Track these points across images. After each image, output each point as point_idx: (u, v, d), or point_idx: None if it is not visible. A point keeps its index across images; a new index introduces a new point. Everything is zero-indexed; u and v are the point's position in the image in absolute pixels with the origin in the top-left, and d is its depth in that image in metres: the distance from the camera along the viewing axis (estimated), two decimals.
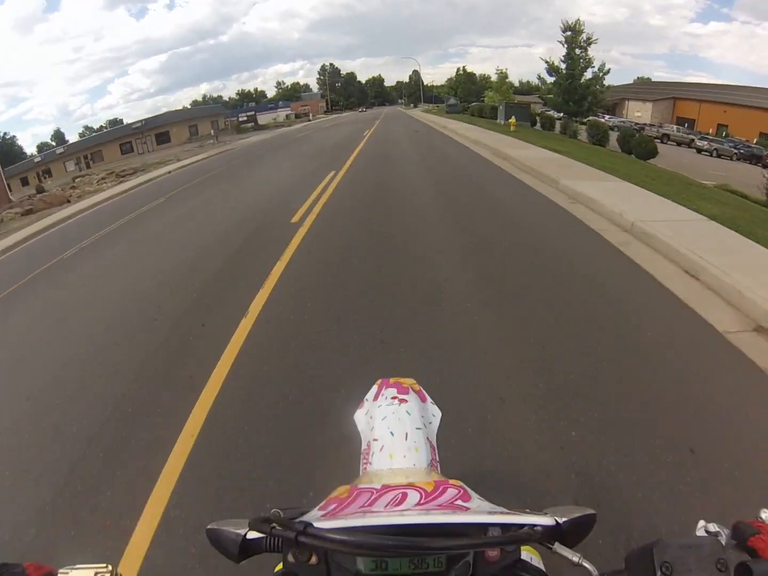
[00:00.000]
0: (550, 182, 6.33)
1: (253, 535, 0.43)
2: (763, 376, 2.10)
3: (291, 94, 69.47)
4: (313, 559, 0.39)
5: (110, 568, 0.39)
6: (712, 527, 0.39)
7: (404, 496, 0.45)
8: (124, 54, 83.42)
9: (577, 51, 17.44)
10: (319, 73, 78.69)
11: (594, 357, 2.29)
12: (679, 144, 24.91)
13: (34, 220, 10.49)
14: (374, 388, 0.84)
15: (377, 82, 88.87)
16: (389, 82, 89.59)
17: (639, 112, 34.13)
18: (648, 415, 1.88)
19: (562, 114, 19.38)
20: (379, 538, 0.34)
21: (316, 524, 0.36)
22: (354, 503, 0.46)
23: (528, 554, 0.49)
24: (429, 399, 0.85)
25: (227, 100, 67.74)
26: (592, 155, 9.68)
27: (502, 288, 3.17)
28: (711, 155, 22.32)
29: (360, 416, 0.83)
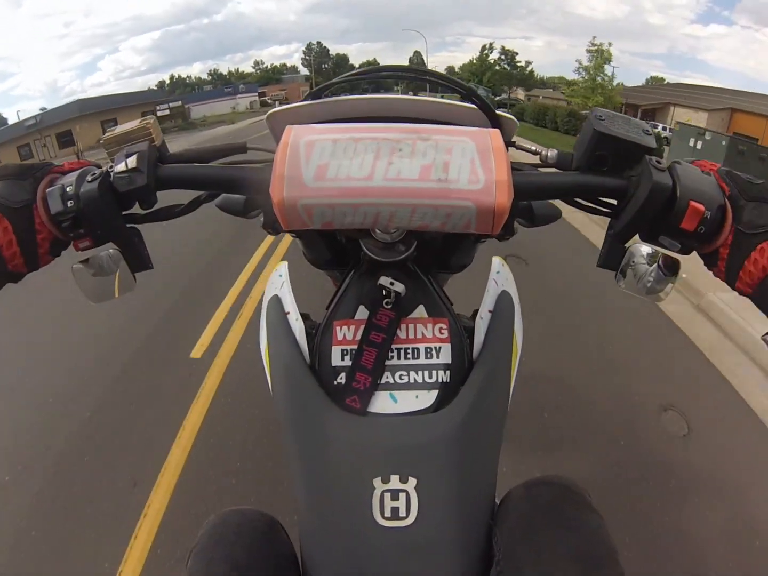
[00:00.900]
0: None
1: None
2: None
3: (270, 76, 58.29)
4: None
5: (154, 118, 0.42)
6: None
7: None
8: (116, 30, 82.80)
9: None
10: (304, 53, 62.23)
11: None
12: None
13: None
14: None
15: (371, 66, 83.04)
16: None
17: (689, 121, 31.04)
18: None
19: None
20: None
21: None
22: None
23: (499, 262, 0.49)
24: None
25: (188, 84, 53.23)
26: None
27: None
28: None
29: None
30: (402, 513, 0.36)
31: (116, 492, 1.59)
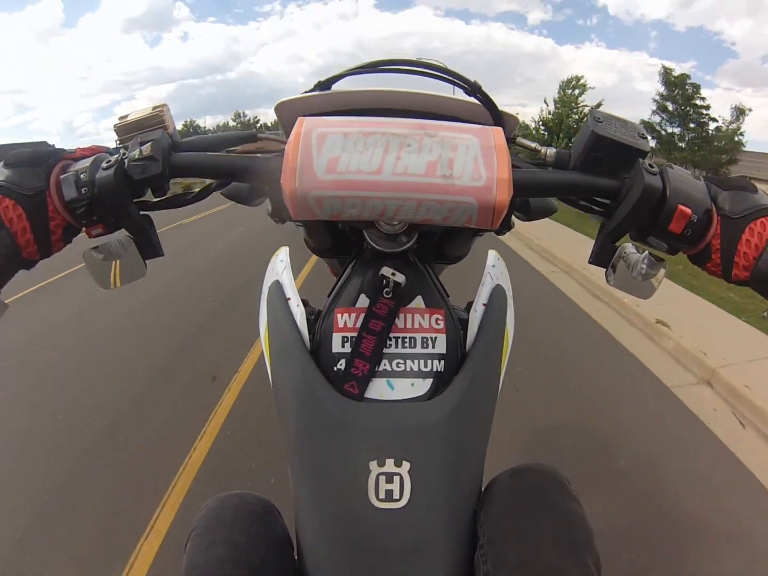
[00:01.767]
0: None
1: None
2: None
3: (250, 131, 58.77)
4: None
5: (166, 105, 0.43)
6: None
7: None
8: (135, 79, 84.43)
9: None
10: None
11: None
12: None
13: None
14: None
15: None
16: None
17: None
18: None
19: None
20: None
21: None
22: None
23: (495, 256, 0.50)
24: None
25: None
26: None
27: None
28: None
29: None
30: (396, 495, 0.37)
31: None
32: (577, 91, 16.05)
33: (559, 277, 4.40)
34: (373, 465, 0.38)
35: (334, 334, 0.41)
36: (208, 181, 0.42)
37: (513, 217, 0.54)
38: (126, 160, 0.37)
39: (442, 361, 0.41)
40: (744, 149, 14.46)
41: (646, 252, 0.41)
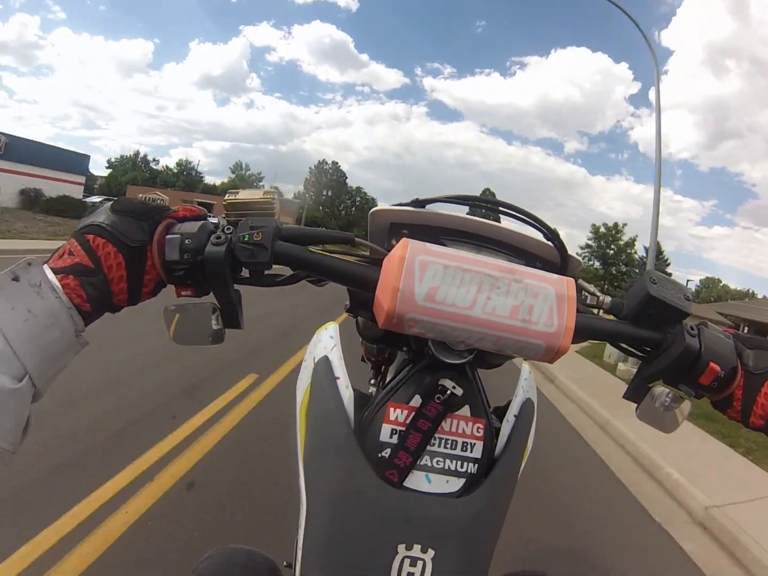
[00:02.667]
0: None
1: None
2: None
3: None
4: None
5: (276, 190, 0.47)
6: None
7: None
8: (196, 129, 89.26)
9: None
10: (310, 170, 54.69)
11: None
12: None
13: None
14: None
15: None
16: None
17: None
18: None
19: None
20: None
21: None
22: None
23: (527, 370, 0.53)
24: None
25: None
26: None
27: None
28: None
29: None
30: None
31: None
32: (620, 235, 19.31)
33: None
34: (401, 548, 0.40)
35: (384, 425, 0.43)
36: None
37: None
38: (235, 241, 0.39)
39: (476, 465, 0.44)
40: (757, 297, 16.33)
41: (671, 390, 0.46)
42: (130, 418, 2.42)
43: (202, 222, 0.41)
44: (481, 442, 0.44)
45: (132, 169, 48.27)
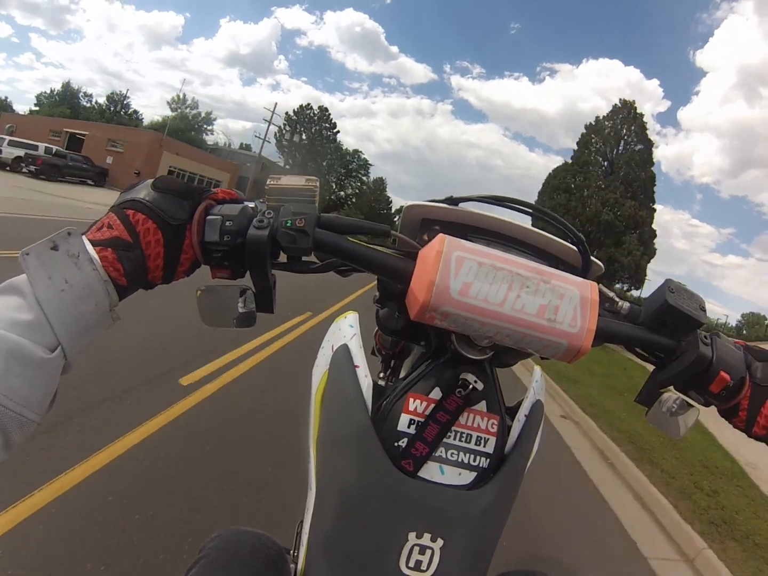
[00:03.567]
0: None
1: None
2: None
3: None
4: None
5: (318, 179, 0.45)
6: None
7: None
8: (219, 106, 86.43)
9: None
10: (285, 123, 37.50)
11: None
12: None
13: None
14: None
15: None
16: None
17: None
18: None
19: None
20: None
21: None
22: None
23: (539, 372, 0.55)
24: None
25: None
26: None
27: None
28: None
29: None
30: (423, 566, 0.41)
31: None
32: None
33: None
34: (411, 535, 0.41)
35: (403, 415, 0.44)
36: None
37: None
38: (277, 226, 0.39)
39: (488, 460, 0.45)
40: None
41: (680, 396, 0.48)
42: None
43: (242, 205, 0.42)
44: (494, 438, 0.45)
45: (59, 105, 40.54)
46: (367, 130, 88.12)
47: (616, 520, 2.57)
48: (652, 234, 18.30)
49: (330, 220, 0.43)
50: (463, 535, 0.42)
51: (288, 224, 0.39)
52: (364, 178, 45.42)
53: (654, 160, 19.34)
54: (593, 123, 19.61)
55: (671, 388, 0.47)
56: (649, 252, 17.98)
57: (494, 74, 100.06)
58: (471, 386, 0.44)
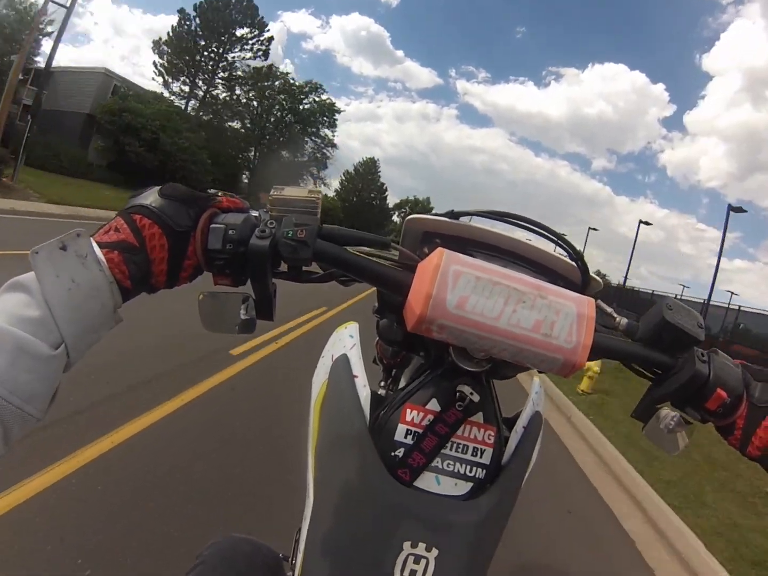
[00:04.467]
0: None
1: None
2: None
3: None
4: None
5: (321, 191, 0.45)
6: None
7: None
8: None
9: None
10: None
11: None
12: None
13: None
14: None
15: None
16: None
17: None
18: None
19: None
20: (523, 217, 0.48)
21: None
22: None
23: (538, 384, 0.56)
24: None
25: None
26: None
27: None
28: None
29: None
30: None
31: None
32: None
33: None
34: (406, 545, 0.41)
35: (400, 425, 0.45)
36: None
37: None
38: (279, 236, 0.40)
39: (484, 471, 0.45)
40: None
41: (678, 413, 0.48)
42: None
43: (246, 215, 0.43)
44: (491, 449, 0.46)
45: None
46: (372, 134, 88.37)
47: None
48: None
49: (331, 231, 0.44)
50: (458, 545, 0.42)
51: (289, 235, 0.40)
52: (330, 134, 35.28)
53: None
54: None
55: (668, 404, 0.47)
56: None
57: (500, 79, 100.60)
58: (468, 399, 0.44)
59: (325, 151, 35.99)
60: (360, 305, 8.23)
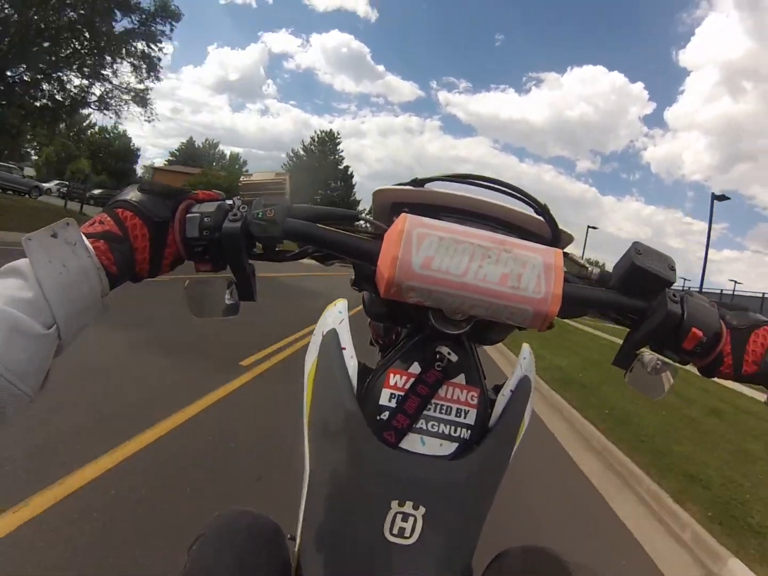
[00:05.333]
0: None
1: None
2: None
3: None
4: None
5: (288, 173, 0.47)
6: None
7: None
8: (210, 134, 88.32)
9: None
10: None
11: None
12: None
13: None
14: None
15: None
16: None
17: None
18: None
19: None
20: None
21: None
22: None
23: (528, 350, 0.57)
24: None
25: None
26: None
27: None
28: None
29: None
30: (407, 533, 0.42)
31: None
32: None
33: None
34: (394, 504, 0.43)
35: (384, 389, 0.46)
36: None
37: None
38: (250, 218, 0.42)
39: (469, 431, 0.46)
40: None
41: (658, 356, 0.48)
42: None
43: (219, 202, 0.45)
44: (475, 410, 0.47)
45: None
46: (357, 150, 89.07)
47: None
48: None
49: (302, 209, 0.46)
50: (444, 503, 0.44)
51: (259, 216, 0.42)
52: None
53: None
54: None
55: (647, 349, 0.48)
56: None
57: (481, 88, 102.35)
58: (446, 359, 0.46)
59: None
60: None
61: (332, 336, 0.52)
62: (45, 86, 15.06)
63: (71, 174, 29.01)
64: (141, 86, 16.21)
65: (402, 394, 0.46)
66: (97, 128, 40.77)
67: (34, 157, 40.36)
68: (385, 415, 0.46)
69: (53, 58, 14.25)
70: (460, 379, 0.48)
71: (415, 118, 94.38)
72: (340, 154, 44.29)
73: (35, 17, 13.27)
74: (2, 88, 13.82)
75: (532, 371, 0.55)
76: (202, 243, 0.42)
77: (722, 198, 15.45)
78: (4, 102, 14.01)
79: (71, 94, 15.60)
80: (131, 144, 45.62)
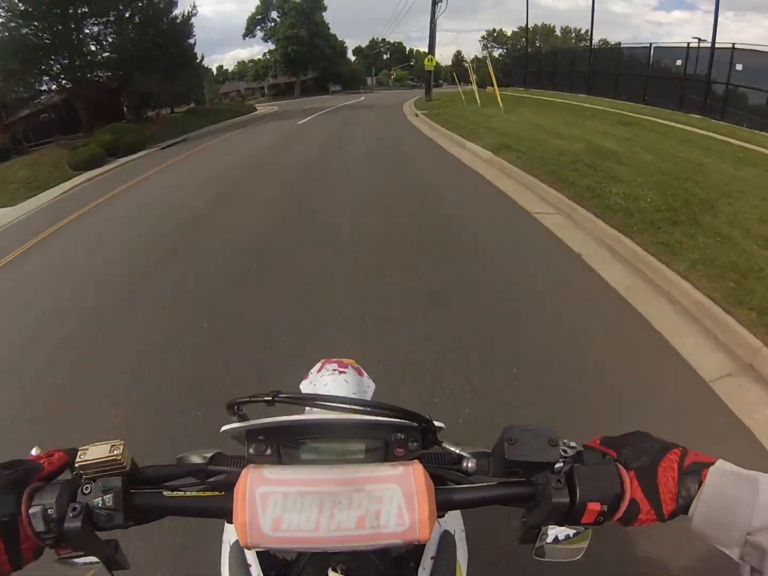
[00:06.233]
0: None
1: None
2: None
3: None
4: (268, 451, 0.45)
5: (123, 443, 0.43)
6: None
7: None
8: None
9: None
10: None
11: None
12: None
13: None
14: (317, 365, 0.98)
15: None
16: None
17: None
18: None
19: None
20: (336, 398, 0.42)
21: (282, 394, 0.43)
22: None
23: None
24: (365, 374, 0.98)
25: None
26: None
27: None
28: None
29: (304, 385, 0.95)
30: None
31: None
32: None
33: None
34: None
35: None
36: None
37: None
38: (90, 506, 0.40)
39: None
40: None
41: (565, 527, 0.45)
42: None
43: (60, 487, 0.41)
44: None
45: None
46: None
47: None
48: None
49: (144, 475, 0.45)
50: None
51: (99, 505, 0.40)
52: None
53: None
54: None
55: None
56: None
57: None
58: None
59: None
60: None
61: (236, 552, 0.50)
62: None
63: None
64: None
65: None
66: None
67: None
68: None
69: None
70: None
71: None
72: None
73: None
74: None
75: (454, 518, 0.53)
76: (52, 536, 0.40)
77: None
78: None
79: None
80: None
